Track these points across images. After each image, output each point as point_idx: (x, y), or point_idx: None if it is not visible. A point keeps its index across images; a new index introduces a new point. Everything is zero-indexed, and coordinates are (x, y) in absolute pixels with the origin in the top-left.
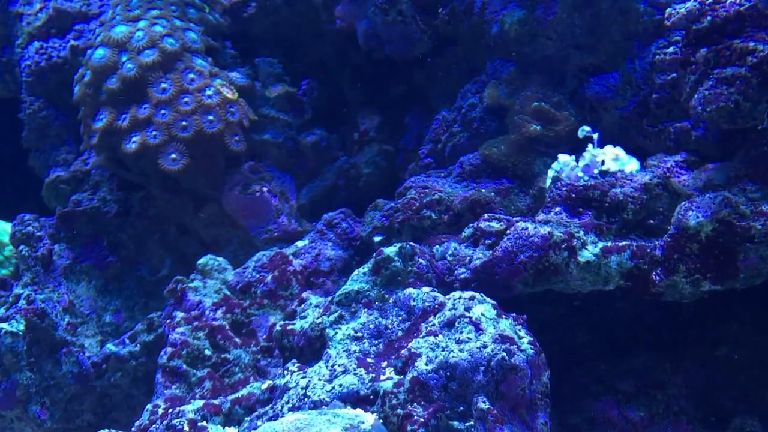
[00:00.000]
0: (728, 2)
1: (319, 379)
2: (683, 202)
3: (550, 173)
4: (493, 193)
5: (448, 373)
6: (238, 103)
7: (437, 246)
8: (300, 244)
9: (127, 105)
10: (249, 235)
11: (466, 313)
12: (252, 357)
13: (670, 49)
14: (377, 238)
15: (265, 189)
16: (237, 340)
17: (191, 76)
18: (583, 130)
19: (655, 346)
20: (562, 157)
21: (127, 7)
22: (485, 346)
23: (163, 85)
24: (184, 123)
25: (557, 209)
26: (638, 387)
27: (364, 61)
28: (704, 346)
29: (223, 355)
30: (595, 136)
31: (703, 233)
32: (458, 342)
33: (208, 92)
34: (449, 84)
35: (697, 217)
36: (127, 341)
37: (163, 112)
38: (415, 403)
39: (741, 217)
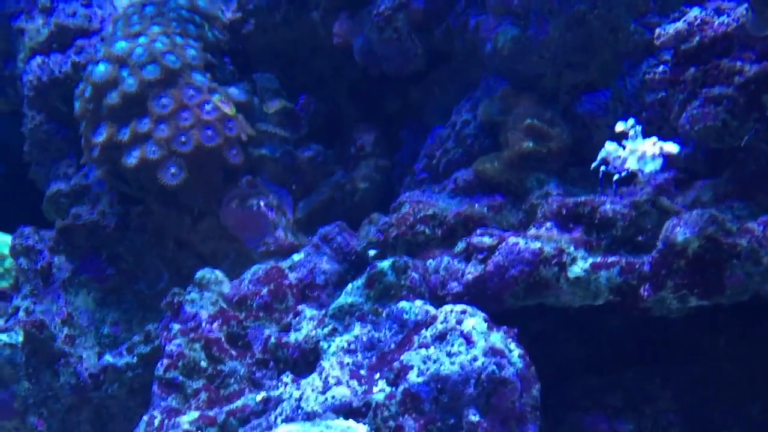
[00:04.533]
0: (716, 23)
1: (313, 391)
2: (671, 219)
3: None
4: (486, 209)
5: (439, 386)
6: (236, 119)
7: (431, 260)
8: (296, 257)
9: (127, 120)
10: (246, 249)
11: (458, 326)
12: (247, 369)
13: (660, 68)
14: (372, 252)
15: (262, 203)
16: (233, 352)
17: (191, 92)
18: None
19: (644, 361)
20: (609, 146)
21: (128, 23)
22: (476, 359)
23: (164, 101)
24: (183, 138)
25: (548, 225)
26: (627, 401)
27: (360, 77)
28: (693, 360)
29: (218, 367)
30: (638, 128)
31: (690, 249)
32: (449, 355)
33: (207, 108)
34: (444, 100)
35: (685, 234)
36: (125, 353)
37: (162, 127)
38: (406, 415)
39: (727, 234)
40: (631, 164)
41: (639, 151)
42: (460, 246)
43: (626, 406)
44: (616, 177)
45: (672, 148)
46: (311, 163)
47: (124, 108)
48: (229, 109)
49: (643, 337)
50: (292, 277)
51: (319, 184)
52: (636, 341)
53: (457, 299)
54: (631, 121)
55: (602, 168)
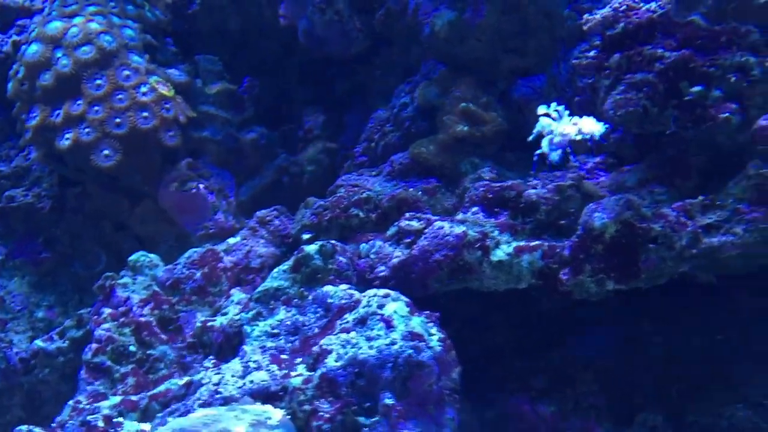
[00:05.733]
0: (642, 9)
1: (232, 376)
2: (590, 204)
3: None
4: (420, 192)
5: (356, 370)
6: (174, 100)
7: (364, 244)
8: (231, 241)
9: (61, 101)
10: (185, 232)
11: (379, 311)
12: (178, 353)
13: (591, 54)
14: (306, 236)
15: (201, 186)
16: (163, 336)
17: (126, 72)
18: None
19: (569, 344)
20: (543, 120)
21: (64, 3)
22: (394, 343)
23: (98, 82)
24: (118, 120)
25: (474, 209)
26: (551, 383)
27: (309, 60)
28: (616, 343)
29: (148, 352)
30: (562, 108)
31: (607, 234)
32: (368, 339)
33: (143, 89)
34: (386, 83)
35: (602, 219)
36: (56, 337)
37: (96, 108)
38: (322, 399)
39: (642, 219)
40: (560, 139)
41: (564, 131)
42: (392, 230)
43: (549, 389)
44: (554, 155)
45: (593, 126)
46: (254, 146)
47: (58, 89)
48: (166, 91)
49: (569, 321)
50: (227, 260)
51: (263, 167)
52: (562, 325)
53: (384, 283)
54: (554, 105)
55: (537, 152)
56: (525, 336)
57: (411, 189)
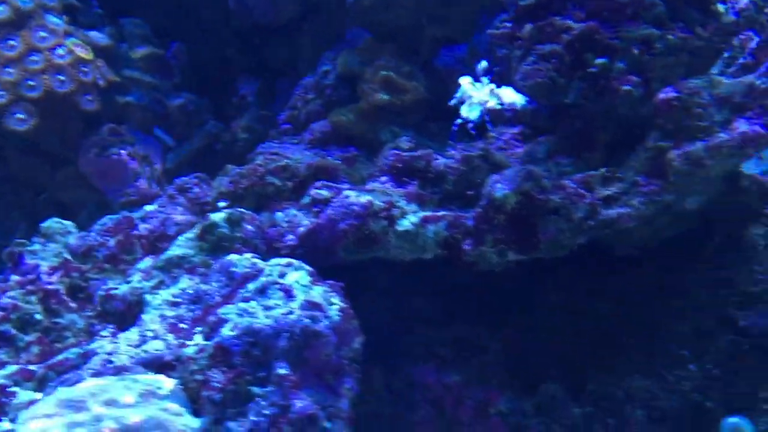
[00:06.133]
0: None
1: (128, 345)
2: (493, 175)
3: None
4: (339, 161)
5: (251, 340)
6: (94, 63)
7: (279, 212)
8: (148, 208)
9: None
10: (107, 199)
11: (279, 280)
12: (87, 322)
13: (510, 24)
14: (222, 204)
15: (123, 152)
16: (72, 304)
17: (42, 34)
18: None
19: (478, 314)
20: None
21: None
22: (291, 313)
23: (11, 43)
24: (32, 82)
25: (384, 178)
26: (457, 353)
27: (248, 27)
28: (524, 314)
29: (55, 320)
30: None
31: (508, 205)
32: (266, 308)
33: (60, 51)
34: (315, 51)
35: (503, 190)
36: None
37: (9, 70)
38: (215, 369)
39: (542, 191)
40: (478, 107)
41: (482, 99)
42: (306, 199)
43: (455, 358)
44: (472, 121)
45: (513, 96)
46: (182, 112)
47: None
48: (85, 54)
49: (480, 291)
50: (143, 228)
51: (191, 134)
52: (472, 295)
53: (291, 252)
54: (468, 78)
55: (458, 120)
56: (437, 306)
57: (330, 157)
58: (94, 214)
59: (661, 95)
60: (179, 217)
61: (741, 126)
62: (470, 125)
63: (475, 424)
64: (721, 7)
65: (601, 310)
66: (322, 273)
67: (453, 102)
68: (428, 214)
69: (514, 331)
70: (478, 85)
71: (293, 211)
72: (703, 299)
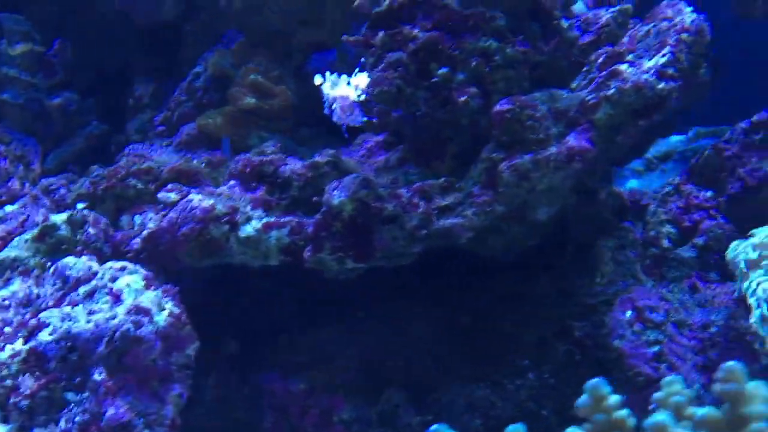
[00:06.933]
0: None
1: None
2: (332, 182)
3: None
4: (203, 164)
5: (69, 344)
6: None
7: (137, 215)
8: (8, 208)
9: None
10: None
11: (110, 284)
12: None
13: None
14: (80, 205)
15: None
16: None
17: None
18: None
19: (331, 321)
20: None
21: None
22: (114, 317)
23: None
24: None
25: (232, 183)
26: (307, 360)
27: (148, 27)
28: (377, 321)
29: None
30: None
31: (345, 212)
32: (90, 313)
33: None
34: (196, 52)
35: (339, 197)
36: None
37: None
38: (27, 374)
39: (377, 199)
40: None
41: (343, 94)
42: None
43: (304, 365)
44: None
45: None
46: (62, 112)
47: None
48: None
49: (338, 298)
50: (0, 229)
51: (72, 134)
52: (329, 301)
53: (136, 256)
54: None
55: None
56: (293, 313)
57: (195, 161)
58: None
59: (497, 107)
60: (40, 219)
61: (571, 140)
62: (343, 128)
63: None
64: (564, 23)
65: (457, 319)
66: (175, 278)
67: (326, 110)
68: (272, 220)
69: (366, 338)
70: (334, 79)
71: (150, 214)
72: (547, 309)
